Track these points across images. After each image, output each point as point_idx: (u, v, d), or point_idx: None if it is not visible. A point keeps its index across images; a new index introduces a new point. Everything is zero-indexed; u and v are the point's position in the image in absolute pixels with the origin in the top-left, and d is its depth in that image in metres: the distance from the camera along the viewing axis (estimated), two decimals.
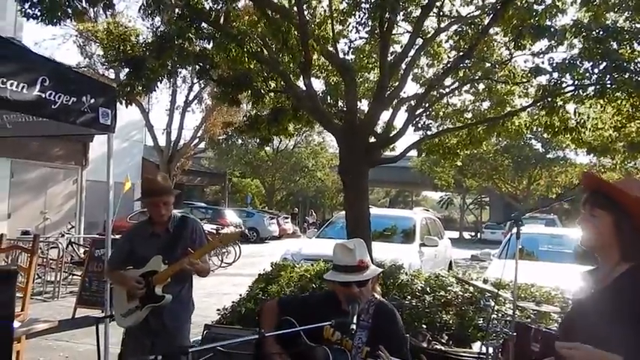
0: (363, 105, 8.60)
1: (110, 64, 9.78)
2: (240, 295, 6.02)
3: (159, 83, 7.28)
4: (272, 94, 7.99)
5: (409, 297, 5.10)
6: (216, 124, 24.06)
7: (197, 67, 7.55)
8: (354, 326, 2.33)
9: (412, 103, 7.86)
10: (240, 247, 15.06)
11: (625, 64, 6.70)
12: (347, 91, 7.11)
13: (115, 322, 3.59)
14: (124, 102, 6.87)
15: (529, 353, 2.99)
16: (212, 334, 4.06)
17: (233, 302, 5.82)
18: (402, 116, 7.69)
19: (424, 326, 4.69)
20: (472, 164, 29.71)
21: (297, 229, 32.12)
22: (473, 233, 43.06)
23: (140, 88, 6.93)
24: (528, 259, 7.63)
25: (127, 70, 7.21)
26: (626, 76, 6.66)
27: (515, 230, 3.00)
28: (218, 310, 5.80)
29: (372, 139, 7.30)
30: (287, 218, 31.74)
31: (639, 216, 1.83)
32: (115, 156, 5.34)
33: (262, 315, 2.81)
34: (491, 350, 3.41)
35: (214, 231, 14.74)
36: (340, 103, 8.29)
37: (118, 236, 7.28)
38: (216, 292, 9.74)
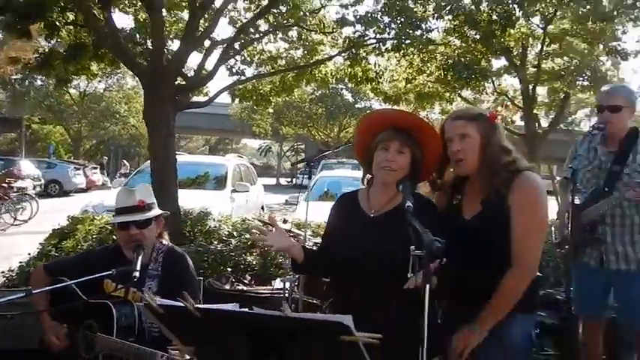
0: (175, 46, 8.17)
1: None
2: (30, 254, 5.42)
3: None
4: (70, 27, 7.11)
5: (216, 242, 5.12)
6: (7, 60, 20.89)
7: None
8: (137, 274, 2.20)
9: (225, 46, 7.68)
10: (37, 201, 13.54)
11: (418, 22, 7.41)
12: (153, 29, 6.62)
13: None
14: None
15: (319, 284, 3.30)
16: None
17: (21, 262, 5.21)
18: (215, 60, 7.48)
19: (229, 269, 4.77)
20: (289, 112, 30.63)
21: (108, 180, 29.96)
22: (289, 179, 44.83)
23: None
24: (332, 200, 8.24)
25: None
26: (418, 33, 7.38)
27: (307, 170, 3.15)
28: (3, 272, 5.16)
29: (182, 82, 6.99)
30: (95, 169, 29.32)
31: (433, 151, 2.02)
32: None
33: (31, 285, 2.53)
34: (287, 285, 3.64)
35: (6, 185, 13.11)
36: (149, 43, 7.73)
37: None
38: (8, 253, 8.63)
